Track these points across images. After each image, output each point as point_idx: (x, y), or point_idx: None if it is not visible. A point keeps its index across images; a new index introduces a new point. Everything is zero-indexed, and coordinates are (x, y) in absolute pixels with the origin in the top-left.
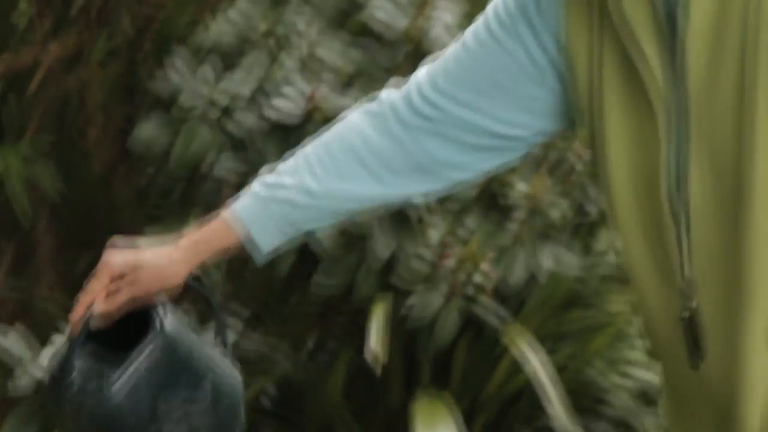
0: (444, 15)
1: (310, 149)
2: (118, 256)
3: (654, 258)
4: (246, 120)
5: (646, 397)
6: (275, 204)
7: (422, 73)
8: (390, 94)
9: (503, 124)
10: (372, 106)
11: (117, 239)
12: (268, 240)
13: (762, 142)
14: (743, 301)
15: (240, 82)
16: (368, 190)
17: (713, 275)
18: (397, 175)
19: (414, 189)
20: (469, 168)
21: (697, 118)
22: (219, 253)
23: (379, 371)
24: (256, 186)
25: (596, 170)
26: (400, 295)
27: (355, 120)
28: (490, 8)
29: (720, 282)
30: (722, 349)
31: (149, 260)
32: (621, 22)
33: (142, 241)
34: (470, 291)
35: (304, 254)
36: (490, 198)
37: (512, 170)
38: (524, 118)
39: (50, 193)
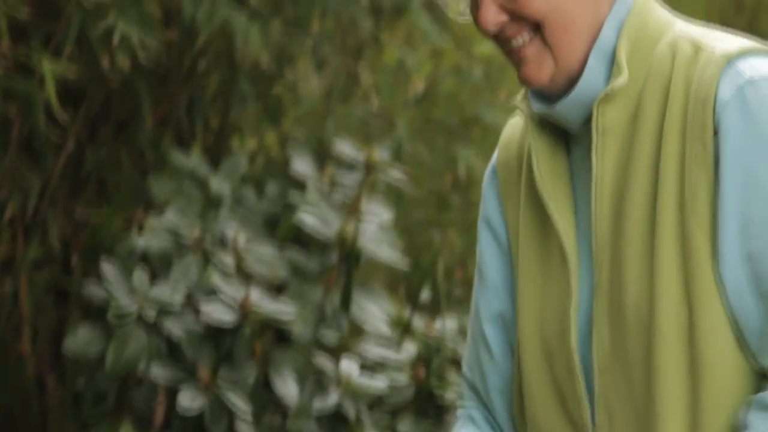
0: (374, 218)
1: None
2: None
3: (564, 410)
4: (179, 325)
5: None
6: None
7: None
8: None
9: None
10: None
11: None
12: None
13: (668, 300)
14: None
15: (172, 289)
16: None
17: (623, 424)
18: None
19: None
20: None
21: (604, 272)
22: None
23: None
24: None
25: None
26: None
27: None
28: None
29: (631, 430)
30: None
31: None
32: (540, 184)
33: None
34: None
35: None
36: (425, 399)
37: (448, 371)
38: None
39: None
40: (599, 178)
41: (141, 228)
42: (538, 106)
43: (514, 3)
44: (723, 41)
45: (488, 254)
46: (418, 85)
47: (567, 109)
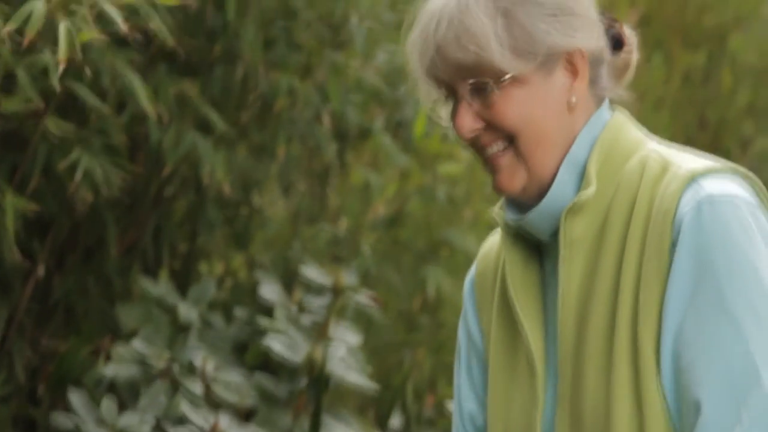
0: (343, 342)
1: None
2: None
3: None
4: None
5: None
6: None
7: None
8: None
9: None
10: None
11: None
12: None
13: (621, 413)
14: None
15: (140, 418)
16: None
17: None
18: None
19: None
20: None
21: (567, 381)
22: None
23: None
24: None
25: None
26: None
27: None
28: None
29: None
30: None
31: None
32: (511, 294)
33: None
34: None
35: None
36: None
37: None
38: None
39: None
40: (565, 289)
41: (108, 357)
42: (511, 217)
43: (489, 113)
44: (692, 160)
45: (465, 360)
46: (385, 207)
47: (537, 218)
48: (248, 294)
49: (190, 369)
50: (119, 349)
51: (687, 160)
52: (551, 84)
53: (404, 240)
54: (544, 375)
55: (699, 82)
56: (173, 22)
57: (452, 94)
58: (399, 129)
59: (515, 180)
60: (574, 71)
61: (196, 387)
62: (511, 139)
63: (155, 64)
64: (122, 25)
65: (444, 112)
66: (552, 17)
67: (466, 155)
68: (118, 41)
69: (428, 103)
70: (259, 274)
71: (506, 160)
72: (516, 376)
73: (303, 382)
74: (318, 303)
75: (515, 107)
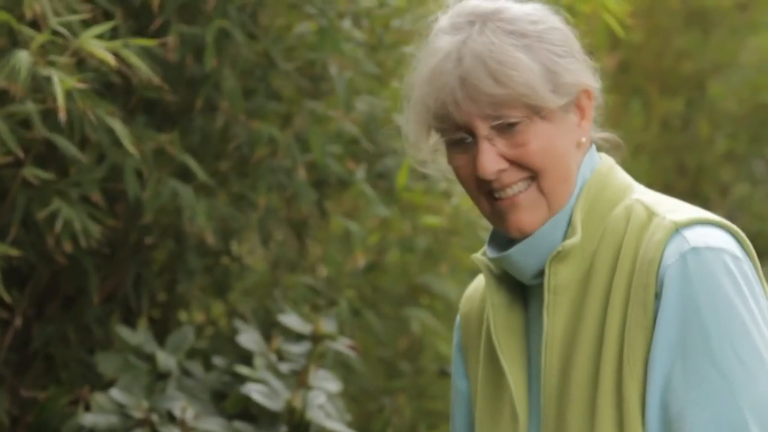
0: (322, 389)
1: None
2: None
3: None
4: None
5: None
6: None
7: None
8: None
9: None
10: None
11: None
12: None
13: None
14: None
15: None
16: None
17: None
18: None
19: None
20: None
21: (550, 426)
22: None
23: None
24: None
25: None
26: None
27: None
28: None
29: None
30: None
31: None
32: (495, 339)
33: None
34: None
35: None
36: None
37: None
38: None
39: None
40: (549, 336)
41: (88, 406)
42: (493, 254)
43: (516, 151)
44: (677, 210)
45: (452, 405)
46: (366, 255)
47: (520, 256)
48: (227, 342)
49: (170, 418)
50: (98, 398)
51: (672, 209)
52: (568, 122)
53: (384, 287)
54: (526, 419)
55: (677, 128)
56: (154, 72)
57: (467, 134)
58: (380, 179)
59: (536, 217)
60: (581, 110)
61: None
62: (533, 177)
63: (135, 115)
64: (112, 62)
65: (443, 158)
66: (565, 57)
67: (447, 208)
68: (97, 91)
69: (420, 151)
70: (237, 322)
71: (528, 199)
72: (500, 420)
73: (283, 430)
74: (297, 351)
75: (543, 143)
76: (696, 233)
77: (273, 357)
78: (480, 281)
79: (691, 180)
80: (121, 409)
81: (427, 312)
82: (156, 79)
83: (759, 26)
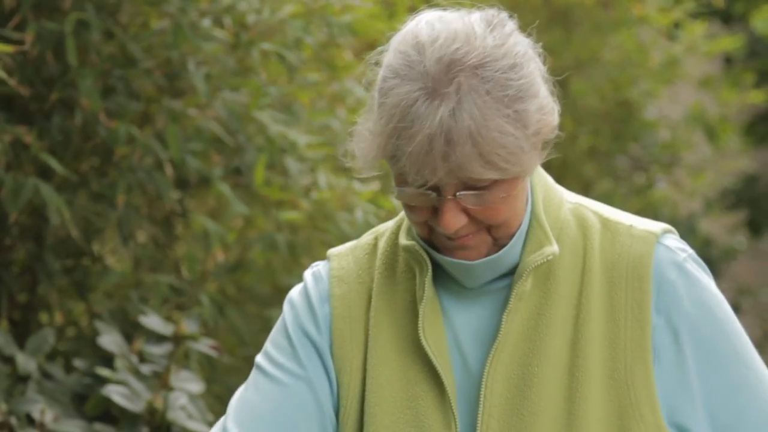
0: (184, 390)
1: None
2: None
3: None
4: None
5: None
6: None
7: None
8: None
9: None
10: None
11: None
12: None
13: None
14: None
15: None
16: None
17: None
18: None
19: None
20: None
21: (495, 415)
22: None
23: None
24: None
25: None
26: None
27: None
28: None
29: None
30: None
31: None
32: (424, 335)
33: None
34: None
35: None
36: None
37: None
38: None
39: None
40: (504, 337)
41: None
42: (450, 260)
43: (483, 210)
44: (630, 217)
45: (271, 393)
46: (229, 253)
47: (485, 268)
48: (88, 344)
49: (29, 421)
50: None
51: (623, 216)
52: (534, 164)
53: (248, 286)
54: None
55: None
56: (12, 67)
57: (432, 191)
58: (239, 176)
59: (482, 253)
60: (545, 146)
61: None
62: (489, 228)
63: None
64: None
65: (396, 189)
66: (543, 106)
67: (306, 204)
68: None
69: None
70: (99, 324)
71: (477, 240)
72: (422, 424)
73: (144, 431)
74: (159, 352)
75: (510, 201)
76: (674, 243)
77: (134, 358)
78: (350, 262)
79: (554, 175)
80: None
81: None
82: (4, 75)
83: (621, 24)
